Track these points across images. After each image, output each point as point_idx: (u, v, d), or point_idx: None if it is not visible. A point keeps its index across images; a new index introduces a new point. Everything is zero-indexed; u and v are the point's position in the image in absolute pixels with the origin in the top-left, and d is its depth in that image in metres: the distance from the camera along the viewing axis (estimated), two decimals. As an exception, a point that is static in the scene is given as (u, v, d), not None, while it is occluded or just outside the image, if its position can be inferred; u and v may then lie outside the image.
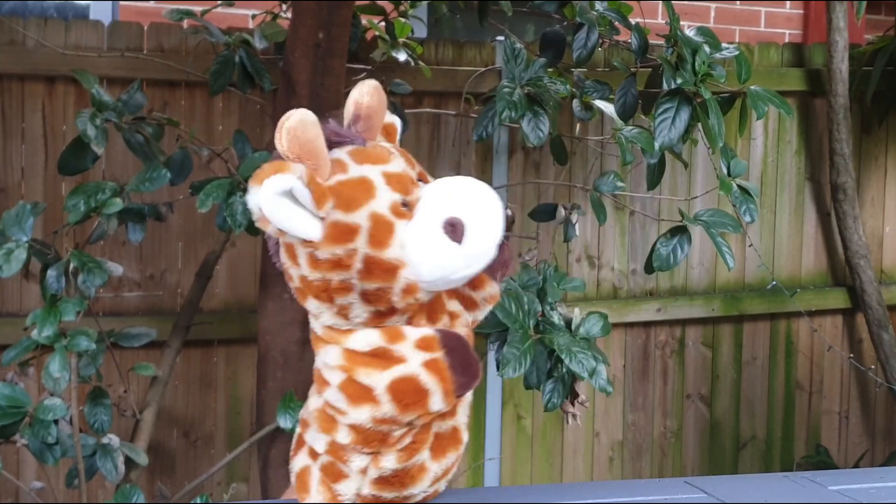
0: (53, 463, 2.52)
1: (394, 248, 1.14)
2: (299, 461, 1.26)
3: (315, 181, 1.13)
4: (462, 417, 1.25)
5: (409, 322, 1.20)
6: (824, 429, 4.35)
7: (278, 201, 1.11)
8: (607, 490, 1.43)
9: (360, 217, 1.14)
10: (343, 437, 1.19)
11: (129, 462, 2.73)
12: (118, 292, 3.32)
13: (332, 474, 1.23)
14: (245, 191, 2.63)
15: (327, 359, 1.20)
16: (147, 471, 3.12)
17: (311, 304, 1.19)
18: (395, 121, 1.27)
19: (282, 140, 1.12)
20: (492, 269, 1.24)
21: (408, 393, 1.16)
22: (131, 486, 2.63)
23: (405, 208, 1.16)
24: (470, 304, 1.28)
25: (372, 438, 1.19)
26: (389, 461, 1.20)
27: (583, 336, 2.59)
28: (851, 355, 4.23)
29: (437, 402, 1.18)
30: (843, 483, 1.39)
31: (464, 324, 1.27)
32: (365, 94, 1.21)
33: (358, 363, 1.18)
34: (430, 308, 1.22)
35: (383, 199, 1.15)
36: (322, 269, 1.15)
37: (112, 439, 2.63)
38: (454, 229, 1.14)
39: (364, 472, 1.21)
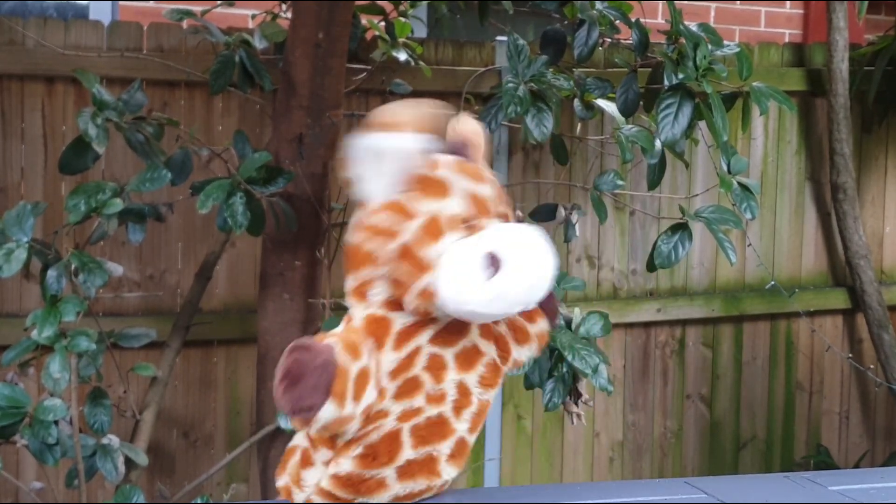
0: (53, 463, 2.52)
1: (431, 251, 1.17)
2: (294, 440, 1.30)
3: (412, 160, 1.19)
4: (444, 448, 1.23)
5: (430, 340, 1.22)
6: (824, 429, 4.35)
7: (365, 157, 1.19)
8: (607, 490, 1.43)
9: (423, 209, 1.18)
10: None
11: (129, 462, 2.73)
12: (118, 292, 3.32)
13: (304, 460, 1.26)
14: (245, 192, 2.65)
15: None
16: (147, 471, 3.11)
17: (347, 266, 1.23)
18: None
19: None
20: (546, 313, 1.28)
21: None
22: (131, 487, 2.63)
23: (465, 227, 1.18)
24: (523, 338, 1.29)
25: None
26: (346, 464, 1.21)
27: (583, 336, 2.59)
28: (850, 356, 4.23)
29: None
30: (843, 483, 1.39)
31: (501, 370, 1.27)
32: (470, 127, 1.26)
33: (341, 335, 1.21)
34: (466, 354, 1.23)
35: (451, 207, 1.18)
36: (365, 233, 1.20)
37: (112, 440, 2.63)
38: (492, 263, 1.15)
39: (326, 464, 1.23)
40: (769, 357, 4.24)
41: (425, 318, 1.21)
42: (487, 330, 1.26)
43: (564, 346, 2.49)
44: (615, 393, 3.94)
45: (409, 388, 1.21)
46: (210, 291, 3.31)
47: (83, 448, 2.58)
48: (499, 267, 1.15)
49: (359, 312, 1.23)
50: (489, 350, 1.26)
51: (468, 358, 1.25)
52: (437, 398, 1.22)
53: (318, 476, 1.24)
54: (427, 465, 1.22)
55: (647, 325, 4.04)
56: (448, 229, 1.18)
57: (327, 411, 1.15)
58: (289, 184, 2.75)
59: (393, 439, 1.21)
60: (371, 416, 1.21)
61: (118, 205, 2.56)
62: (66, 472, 2.67)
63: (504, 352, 1.28)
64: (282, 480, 1.28)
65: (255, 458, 3.15)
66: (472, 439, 1.27)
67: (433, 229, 1.17)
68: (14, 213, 2.55)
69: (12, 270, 2.48)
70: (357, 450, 1.20)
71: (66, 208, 2.59)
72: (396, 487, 1.22)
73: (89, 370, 2.59)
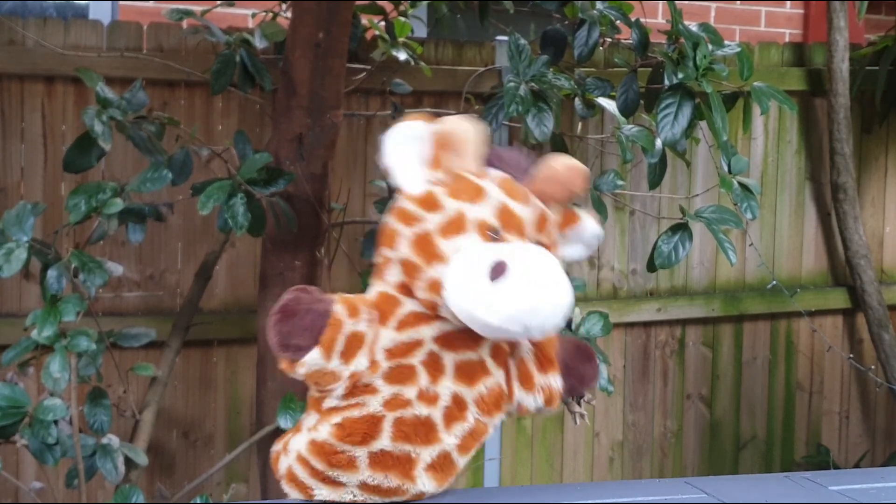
0: (53, 463, 2.52)
1: (448, 246, 1.19)
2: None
3: (449, 140, 1.23)
4: (425, 455, 1.22)
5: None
6: (825, 429, 4.35)
7: (402, 143, 1.23)
8: (607, 490, 1.43)
9: (452, 206, 1.20)
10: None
11: (129, 462, 2.73)
12: (118, 292, 3.32)
13: (296, 428, 1.28)
14: (246, 192, 2.65)
15: None
16: (147, 471, 3.11)
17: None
18: (585, 219, 1.31)
19: (448, 121, 1.24)
20: (568, 375, 1.27)
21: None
22: (131, 487, 2.63)
23: (492, 234, 1.20)
24: (526, 382, 1.28)
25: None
26: (323, 431, 1.22)
27: (583, 336, 2.59)
28: (851, 355, 4.23)
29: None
30: (843, 483, 1.39)
31: (503, 400, 1.27)
32: (571, 177, 1.27)
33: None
34: (469, 368, 1.23)
35: (479, 212, 1.20)
36: (395, 215, 1.23)
37: (112, 440, 2.63)
38: (495, 269, 1.15)
39: (310, 430, 1.25)
40: (769, 357, 4.24)
41: (433, 313, 1.21)
42: (500, 355, 1.25)
43: (564, 346, 2.48)
44: (615, 393, 3.94)
45: (402, 374, 1.21)
46: (210, 291, 3.31)
47: (83, 448, 2.58)
48: (499, 272, 1.15)
49: (374, 288, 1.25)
50: (497, 374, 1.25)
51: (470, 372, 1.23)
52: (429, 399, 1.21)
53: (302, 442, 1.24)
54: (402, 464, 1.21)
55: (647, 325, 4.04)
56: (471, 230, 1.19)
57: (313, 357, 1.17)
58: (289, 184, 2.75)
59: (373, 423, 1.20)
60: (358, 388, 1.21)
61: (118, 205, 2.56)
62: (66, 472, 2.67)
63: (509, 386, 1.26)
64: (276, 446, 1.30)
65: (255, 458, 3.15)
66: (459, 459, 1.25)
67: (456, 225, 1.19)
68: (14, 213, 2.55)
69: (12, 270, 2.48)
70: (336, 419, 1.21)
71: (66, 208, 2.59)
72: (366, 473, 1.21)
73: (89, 370, 2.59)
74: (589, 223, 1.30)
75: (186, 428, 3.44)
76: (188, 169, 2.80)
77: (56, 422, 2.47)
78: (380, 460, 1.21)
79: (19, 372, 2.64)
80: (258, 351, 3.01)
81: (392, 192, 2.88)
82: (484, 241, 1.19)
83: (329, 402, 1.22)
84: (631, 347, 4.04)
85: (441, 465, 1.23)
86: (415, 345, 1.21)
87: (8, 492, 3.17)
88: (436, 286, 1.18)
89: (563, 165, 1.27)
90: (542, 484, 3.76)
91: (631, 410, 4.05)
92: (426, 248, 1.19)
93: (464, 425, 1.23)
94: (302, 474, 1.23)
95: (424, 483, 1.23)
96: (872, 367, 4.28)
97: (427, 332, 1.21)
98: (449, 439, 1.22)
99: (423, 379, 1.20)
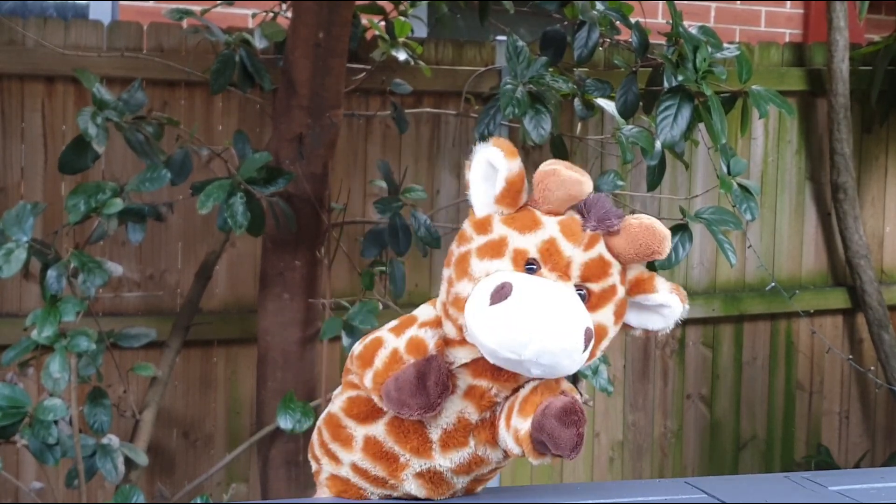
0: (53, 463, 2.52)
1: (479, 266, 1.19)
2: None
3: (521, 186, 1.22)
4: (414, 462, 1.24)
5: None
6: (825, 429, 4.35)
7: (481, 166, 1.22)
8: (607, 490, 1.43)
9: (499, 230, 1.20)
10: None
11: (129, 462, 2.73)
12: (118, 292, 3.32)
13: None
14: (245, 192, 2.65)
15: None
16: (147, 471, 3.11)
17: None
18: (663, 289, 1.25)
19: (548, 178, 1.22)
20: (541, 431, 1.19)
21: (368, 349, 1.24)
22: (131, 487, 2.63)
23: (529, 266, 1.18)
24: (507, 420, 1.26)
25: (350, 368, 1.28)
26: (338, 402, 1.29)
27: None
28: (850, 357, 4.23)
29: (367, 381, 1.23)
30: (843, 483, 1.39)
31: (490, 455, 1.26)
32: (644, 236, 1.20)
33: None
34: (478, 392, 1.23)
35: (523, 242, 1.19)
36: (460, 239, 1.24)
37: (112, 440, 2.63)
38: (498, 293, 1.14)
39: (331, 402, 1.32)
40: (769, 357, 4.24)
41: (460, 337, 1.21)
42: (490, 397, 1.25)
43: (564, 346, 2.49)
44: (615, 393, 3.94)
45: None
46: (210, 291, 3.31)
47: (83, 448, 2.58)
48: (501, 295, 1.14)
49: (429, 311, 1.27)
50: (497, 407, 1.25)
51: (479, 395, 1.24)
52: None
53: (324, 413, 1.32)
54: (389, 461, 1.25)
55: (647, 325, 4.03)
56: (506, 256, 1.18)
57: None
58: (289, 184, 2.75)
59: (375, 407, 1.25)
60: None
61: (118, 205, 2.57)
62: (66, 472, 2.67)
63: (506, 417, 1.24)
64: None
65: (255, 458, 3.15)
66: (455, 479, 1.27)
67: (494, 248, 1.19)
68: (14, 213, 2.55)
69: (12, 270, 2.48)
70: (351, 393, 1.27)
71: (65, 208, 2.59)
72: (357, 455, 1.26)
73: (89, 370, 2.59)
74: (664, 296, 1.22)
75: (186, 428, 3.44)
76: (187, 169, 2.80)
77: (56, 422, 2.47)
78: (371, 447, 1.25)
79: (19, 372, 2.64)
80: (258, 351, 3.01)
81: (392, 191, 2.89)
82: (516, 270, 1.18)
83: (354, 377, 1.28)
84: (631, 347, 4.04)
85: (432, 478, 1.26)
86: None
87: (8, 492, 3.17)
88: (459, 302, 1.19)
89: (639, 223, 1.20)
90: (542, 484, 3.76)
91: (631, 410, 4.05)
92: (463, 265, 1.20)
93: (462, 452, 1.25)
94: (316, 444, 1.31)
95: (412, 487, 1.26)
96: (872, 367, 4.28)
97: (458, 354, 1.22)
98: (442, 461, 1.24)
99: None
